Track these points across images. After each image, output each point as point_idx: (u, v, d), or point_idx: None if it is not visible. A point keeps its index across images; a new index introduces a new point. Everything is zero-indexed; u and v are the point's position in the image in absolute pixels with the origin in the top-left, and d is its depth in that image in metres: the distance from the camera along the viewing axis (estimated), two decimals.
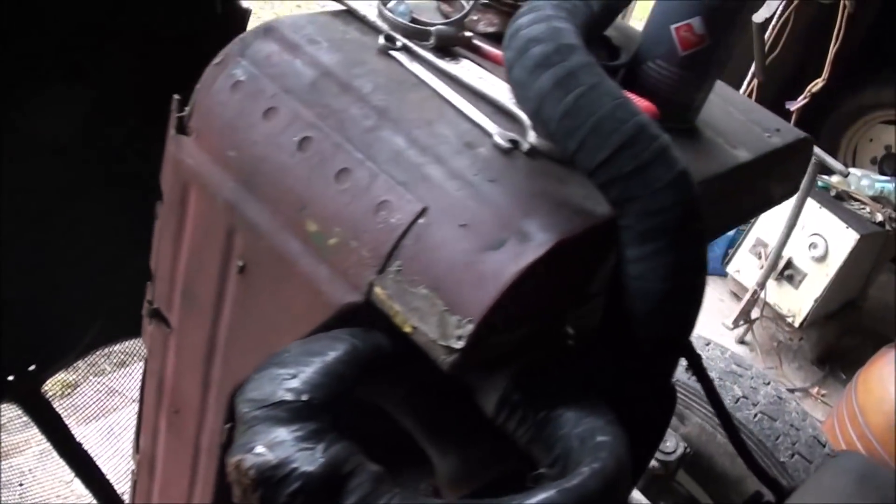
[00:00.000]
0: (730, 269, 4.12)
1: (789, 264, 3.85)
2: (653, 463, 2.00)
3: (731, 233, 4.19)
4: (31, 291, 1.91)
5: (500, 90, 0.80)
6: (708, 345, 2.33)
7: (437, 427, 0.79)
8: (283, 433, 0.62)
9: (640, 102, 0.79)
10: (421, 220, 0.67)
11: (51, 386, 2.35)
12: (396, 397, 0.76)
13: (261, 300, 0.80)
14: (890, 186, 4.03)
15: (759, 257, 3.92)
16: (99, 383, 3.03)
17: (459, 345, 0.64)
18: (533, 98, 0.69)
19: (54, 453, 2.23)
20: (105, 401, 2.91)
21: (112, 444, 2.48)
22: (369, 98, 0.75)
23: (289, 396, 0.63)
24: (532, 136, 0.75)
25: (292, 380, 0.64)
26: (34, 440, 2.44)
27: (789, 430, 2.00)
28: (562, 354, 0.74)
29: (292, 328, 0.75)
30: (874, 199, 3.97)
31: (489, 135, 0.74)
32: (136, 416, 1.09)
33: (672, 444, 2.01)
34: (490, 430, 0.78)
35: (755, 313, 3.95)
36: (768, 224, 3.82)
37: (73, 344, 2.29)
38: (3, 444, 2.41)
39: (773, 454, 1.96)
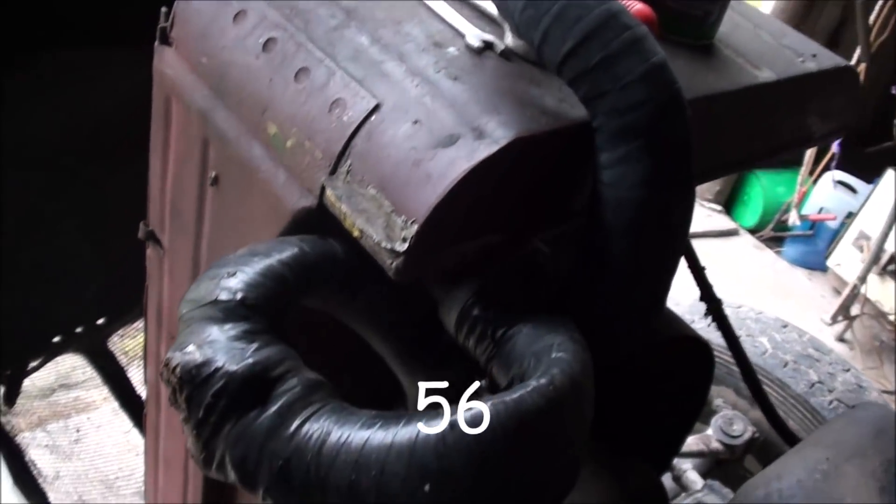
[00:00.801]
0: (830, 262, 3.90)
1: (893, 259, 3.60)
2: (718, 446, 1.90)
3: (834, 225, 3.97)
4: (103, 247, 1.96)
5: None
6: (785, 327, 2.20)
7: (406, 348, 0.75)
8: (216, 332, 0.59)
9: (634, 5, 0.73)
10: (373, 118, 0.63)
11: (132, 349, 2.43)
12: (357, 311, 0.72)
13: (232, 212, 0.77)
14: None
15: (862, 251, 3.69)
16: None
17: (404, 247, 0.59)
18: None
19: (114, 404, 2.31)
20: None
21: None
22: None
23: (224, 295, 0.61)
24: (509, 38, 0.69)
25: (230, 279, 0.62)
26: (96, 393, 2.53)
27: (825, 378, 1.87)
28: (531, 272, 0.69)
29: (259, 238, 0.72)
30: None
31: (462, 35, 0.70)
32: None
33: (739, 427, 1.90)
34: (462, 354, 0.73)
35: (855, 310, 3.71)
36: (872, 216, 3.60)
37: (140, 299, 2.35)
38: (64, 398, 2.51)
39: (807, 401, 1.83)
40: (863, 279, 3.58)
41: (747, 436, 1.88)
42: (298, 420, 0.56)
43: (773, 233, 4.24)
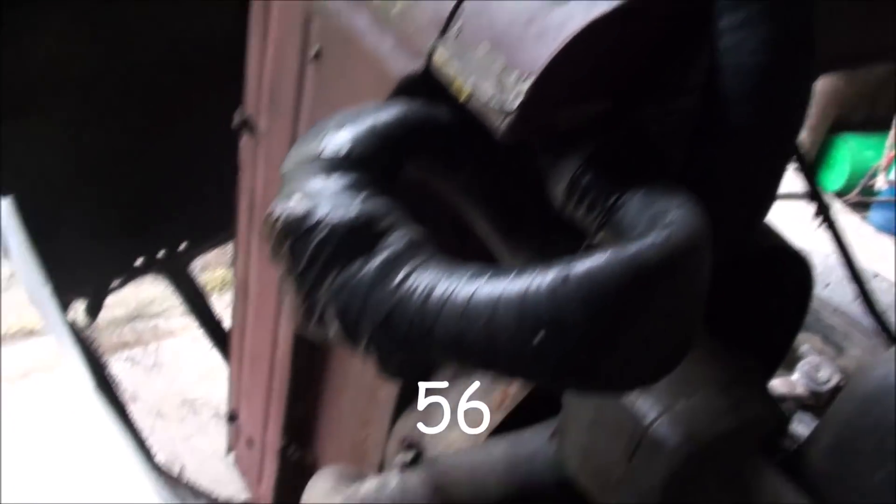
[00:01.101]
0: None
1: None
2: (803, 392, 1.85)
3: None
4: (184, 175, 2.00)
5: None
6: (876, 276, 2.13)
7: (508, 223, 0.74)
8: (321, 184, 0.59)
9: None
10: None
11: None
12: (459, 185, 0.71)
13: (333, 86, 0.77)
14: None
15: None
16: None
17: (516, 103, 0.58)
18: None
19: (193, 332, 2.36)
20: None
21: None
22: None
23: (330, 149, 0.61)
24: None
25: (336, 134, 0.61)
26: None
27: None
28: (642, 145, 0.66)
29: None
30: None
31: None
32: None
33: (826, 373, 1.84)
34: (563, 233, 0.72)
35: None
36: None
37: (223, 226, 2.39)
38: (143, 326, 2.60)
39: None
40: None
41: (833, 382, 1.81)
42: (403, 272, 0.55)
43: (860, 197, 4.09)
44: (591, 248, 0.59)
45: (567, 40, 0.57)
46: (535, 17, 0.59)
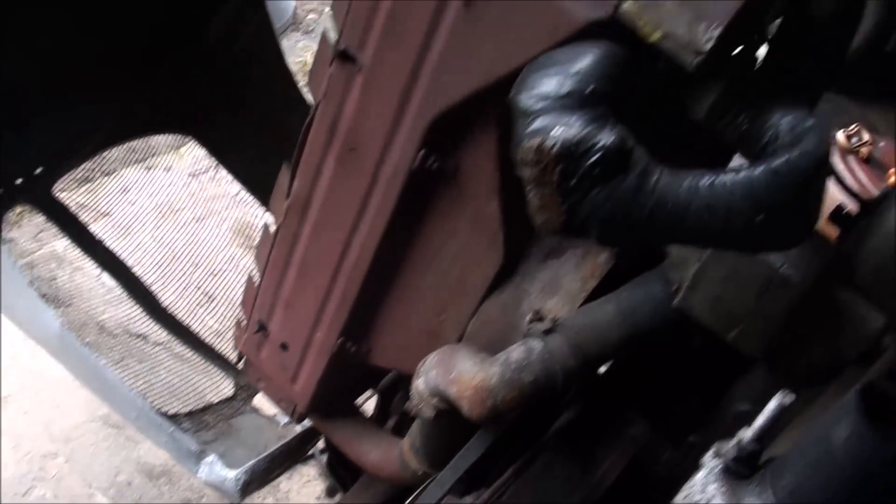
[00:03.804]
0: None
1: None
2: None
3: None
4: (35, 94, 1.91)
5: None
6: None
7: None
8: (575, 118, 0.76)
9: None
10: None
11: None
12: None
13: (488, 27, 0.90)
14: None
15: None
16: (68, 199, 3.05)
17: (708, 46, 0.78)
18: None
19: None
20: (117, 198, 2.91)
21: (129, 240, 2.55)
22: None
23: (576, 87, 0.77)
24: None
25: (575, 74, 0.78)
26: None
27: None
28: (758, 64, 0.90)
29: (526, 50, 0.87)
30: None
31: None
32: (293, 159, 1.19)
33: None
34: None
35: None
36: None
37: (80, 145, 2.30)
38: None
39: None
40: None
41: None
42: (655, 177, 0.75)
43: None
44: (775, 151, 0.83)
45: None
46: None
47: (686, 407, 1.17)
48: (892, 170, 2.95)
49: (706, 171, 0.77)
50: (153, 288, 2.33)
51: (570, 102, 0.77)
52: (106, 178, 3.23)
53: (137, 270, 2.34)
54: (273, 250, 1.29)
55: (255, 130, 2.15)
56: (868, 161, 3.02)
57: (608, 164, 0.75)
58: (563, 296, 1.08)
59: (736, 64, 0.87)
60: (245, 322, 1.45)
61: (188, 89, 2.10)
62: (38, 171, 2.21)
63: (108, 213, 3.19)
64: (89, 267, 2.32)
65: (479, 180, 1.04)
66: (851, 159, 2.96)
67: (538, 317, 1.05)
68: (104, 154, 2.35)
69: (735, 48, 0.85)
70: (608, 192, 0.75)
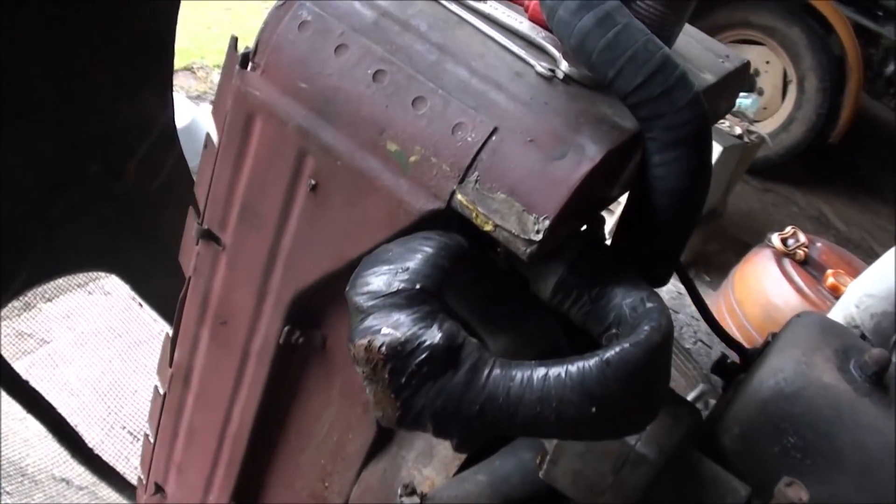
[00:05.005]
0: None
1: None
2: None
3: None
4: None
5: (526, 26, 0.94)
6: None
7: (489, 312, 0.95)
8: (403, 316, 0.76)
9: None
10: (494, 138, 0.81)
11: None
12: (457, 287, 0.90)
13: (333, 213, 0.92)
14: (746, 101, 4.44)
15: None
16: (8, 327, 3.00)
17: (538, 237, 0.79)
18: (576, 34, 0.83)
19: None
20: (17, 344, 2.91)
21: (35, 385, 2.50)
22: (427, 35, 0.87)
23: (404, 286, 0.77)
24: (564, 65, 0.89)
25: (404, 273, 0.78)
26: None
27: (690, 321, 2.28)
28: (602, 244, 0.91)
29: (369, 235, 0.88)
30: (732, 113, 4.36)
31: (530, 65, 0.89)
32: (170, 333, 1.18)
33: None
34: (531, 311, 0.95)
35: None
36: None
37: (5, 287, 2.28)
38: None
39: (679, 342, 2.24)
40: None
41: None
42: (486, 372, 0.75)
43: None
44: (611, 339, 0.83)
45: (573, 188, 0.79)
46: (542, 170, 0.80)
47: None
48: (830, 271, 3.01)
49: (547, 361, 0.77)
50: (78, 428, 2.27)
51: (399, 301, 0.77)
52: (47, 303, 3.21)
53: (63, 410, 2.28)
54: (162, 416, 1.27)
55: (171, 266, 2.15)
56: (805, 263, 3.08)
57: (436, 362, 0.75)
58: (437, 464, 1.06)
59: (577, 245, 0.88)
60: (144, 482, 1.41)
61: (107, 230, 2.10)
62: None
63: (48, 341, 3.15)
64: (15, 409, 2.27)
65: (345, 352, 1.03)
66: (788, 263, 3.02)
67: (409, 490, 1.03)
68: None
69: (571, 231, 0.87)
70: (438, 388, 0.75)
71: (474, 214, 0.82)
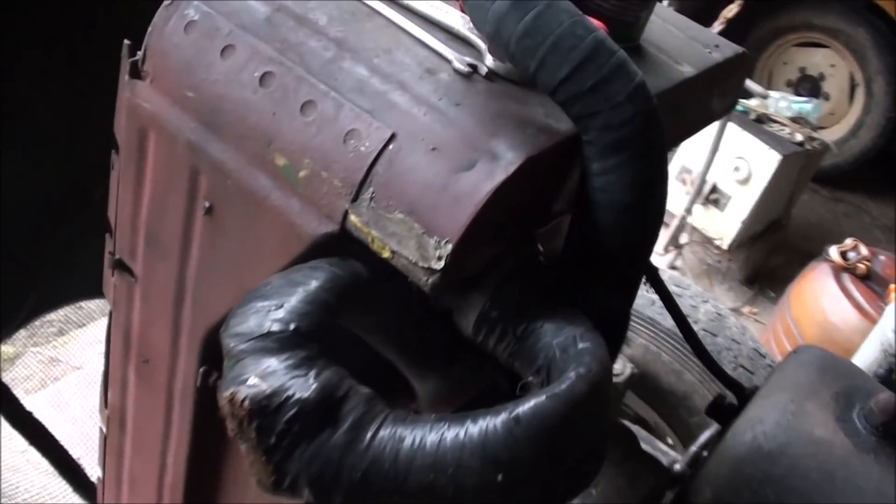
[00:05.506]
0: None
1: (714, 189, 3.99)
2: None
3: None
4: None
5: (452, 17, 0.81)
6: None
7: (414, 351, 0.81)
8: (274, 363, 0.63)
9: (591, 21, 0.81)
10: (391, 147, 0.68)
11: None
12: (370, 324, 0.77)
13: (231, 239, 0.80)
14: (807, 107, 4.18)
15: (685, 184, 4.04)
16: (39, 353, 2.99)
17: (439, 265, 0.66)
18: (490, 20, 0.70)
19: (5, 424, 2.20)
20: (47, 370, 2.89)
21: (61, 412, 2.46)
22: (326, 30, 0.75)
23: (276, 327, 0.65)
24: (489, 60, 0.76)
25: (278, 310, 0.65)
26: None
27: (731, 344, 2.08)
28: (535, 271, 0.77)
29: (266, 263, 0.76)
30: (793, 120, 4.11)
31: (448, 60, 0.76)
32: (102, 372, 1.09)
33: (619, 366, 2.06)
34: (466, 349, 0.81)
35: (684, 238, 4.10)
36: (692, 150, 3.92)
37: (10, 317, 2.24)
38: None
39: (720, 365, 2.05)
40: (689, 210, 3.93)
41: (627, 373, 2.05)
42: (370, 432, 0.61)
43: None
44: (526, 388, 0.69)
45: (480, 206, 0.65)
46: (445, 184, 0.66)
47: None
48: (893, 285, 2.74)
49: (455, 416, 0.63)
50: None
51: (270, 344, 0.64)
52: (79, 329, 3.20)
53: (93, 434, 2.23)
54: (105, 459, 1.17)
55: None
56: (867, 278, 2.83)
57: (308, 419, 0.61)
58: None
59: (502, 271, 0.74)
60: None
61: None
62: None
63: (78, 367, 3.14)
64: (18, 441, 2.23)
65: None
66: (847, 278, 2.78)
67: None
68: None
69: (496, 255, 0.73)
70: (314, 451, 0.62)
71: (370, 238, 0.69)
